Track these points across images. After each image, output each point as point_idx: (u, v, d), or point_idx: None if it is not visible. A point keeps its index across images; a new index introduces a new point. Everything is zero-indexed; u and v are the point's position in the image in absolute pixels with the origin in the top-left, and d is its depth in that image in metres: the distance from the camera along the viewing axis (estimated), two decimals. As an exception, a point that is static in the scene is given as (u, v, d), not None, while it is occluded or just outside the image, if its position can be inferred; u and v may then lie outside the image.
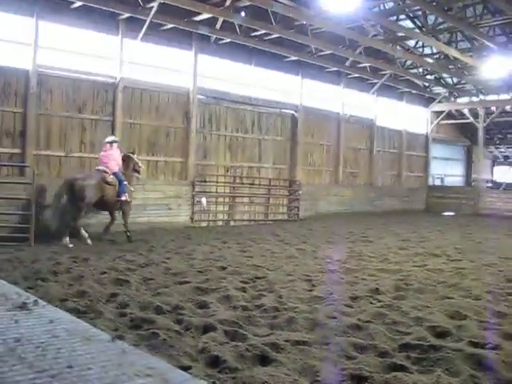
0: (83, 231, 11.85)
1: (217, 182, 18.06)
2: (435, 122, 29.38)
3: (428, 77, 26.22)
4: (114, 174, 12.35)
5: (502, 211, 24.95)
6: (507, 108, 27.77)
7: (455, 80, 27.41)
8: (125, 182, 12.57)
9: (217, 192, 18.03)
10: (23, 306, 1.59)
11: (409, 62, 24.31)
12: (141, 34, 15.16)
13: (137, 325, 5.47)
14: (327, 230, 16.43)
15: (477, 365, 4.55)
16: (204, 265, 9.40)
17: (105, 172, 12.20)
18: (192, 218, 16.95)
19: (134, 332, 5.21)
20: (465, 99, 29.39)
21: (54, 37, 14.14)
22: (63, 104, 14.40)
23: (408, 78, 25.25)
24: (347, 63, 21.61)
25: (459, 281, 8.55)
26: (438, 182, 31.39)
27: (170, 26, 15.72)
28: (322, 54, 20.40)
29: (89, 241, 11.72)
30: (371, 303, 6.86)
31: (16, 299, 1.59)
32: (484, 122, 27.45)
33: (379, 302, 6.93)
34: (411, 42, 23.22)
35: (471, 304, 6.87)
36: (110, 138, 13.00)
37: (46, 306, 1.62)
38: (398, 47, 22.30)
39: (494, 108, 27.64)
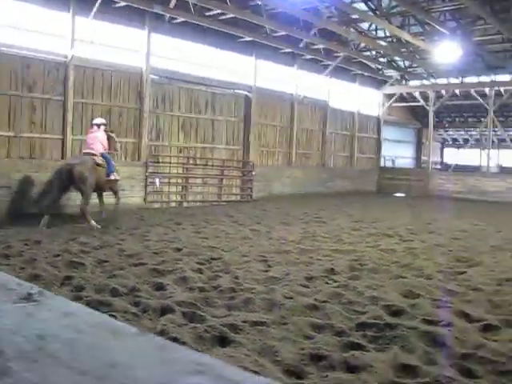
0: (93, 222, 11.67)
1: (170, 163, 17.89)
2: (387, 105, 29.79)
3: (381, 59, 26.54)
4: (102, 155, 12.32)
5: (451, 192, 25.58)
6: (456, 92, 28.34)
7: (407, 63, 27.81)
8: (112, 162, 12.61)
9: (170, 173, 17.87)
10: (29, 298, 1.44)
11: (362, 45, 24.48)
12: (93, 12, 14.77)
13: (93, 308, 5.36)
14: (281, 211, 16.51)
15: (431, 342, 4.67)
16: (159, 246, 9.33)
17: (94, 155, 12.13)
18: (145, 199, 16.77)
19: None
20: (416, 82, 29.87)
21: (2, 14, 13.63)
22: (12, 83, 13.94)
23: (361, 60, 25.47)
24: (301, 45, 21.63)
25: (411, 260, 8.74)
26: (389, 164, 31.93)
27: (123, 3, 15.33)
28: (277, 35, 20.33)
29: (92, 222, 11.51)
30: (327, 283, 6.95)
31: (19, 290, 1.46)
32: (434, 105, 27.99)
33: (335, 282, 7.03)
34: (365, 25, 23.40)
35: (424, 283, 7.04)
36: (98, 120, 12.93)
37: (54, 297, 1.49)
38: (351, 29, 22.41)
39: (444, 92, 28.18)
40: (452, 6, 19.90)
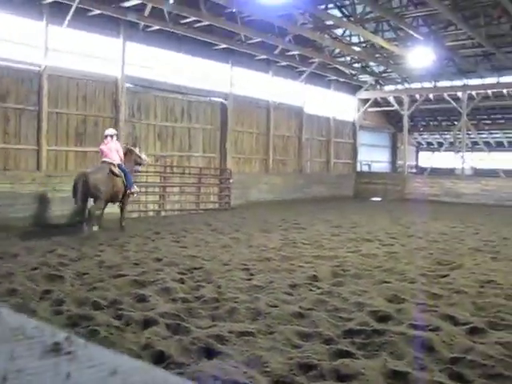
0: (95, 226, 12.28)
1: (147, 172, 17.73)
2: (362, 110, 29.98)
3: (355, 65, 26.68)
4: (118, 165, 12.55)
5: (427, 195, 25.80)
6: (430, 96, 28.65)
7: (381, 68, 28.01)
8: (129, 175, 12.86)
9: (147, 182, 17.71)
10: (58, 349, 1.15)
11: (337, 51, 24.62)
12: (67, 20, 14.60)
13: (74, 322, 5.25)
14: (259, 218, 16.45)
15: (419, 346, 4.64)
16: (139, 257, 9.20)
17: (111, 164, 12.39)
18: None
19: (72, 330, 5.00)
20: (390, 87, 30.10)
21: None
22: (-16, 93, 13.71)
23: (336, 66, 25.61)
24: (276, 51, 21.65)
25: (394, 265, 8.75)
26: (365, 169, 32.08)
27: (96, 12, 15.19)
28: (252, 42, 20.33)
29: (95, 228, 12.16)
30: (311, 290, 6.90)
31: (41, 337, 1.15)
32: (408, 109, 28.25)
33: (318, 288, 6.99)
34: (339, 31, 23.51)
35: (407, 287, 7.05)
36: (109, 131, 13.07)
37: (88, 345, 1.20)
38: (326, 36, 22.50)
39: (417, 96, 28.46)
40: (424, 12, 20.08)
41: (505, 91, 26.52)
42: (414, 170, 36.14)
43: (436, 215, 18.33)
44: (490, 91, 26.97)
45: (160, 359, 4.30)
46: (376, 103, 30.59)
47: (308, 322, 5.39)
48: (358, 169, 30.59)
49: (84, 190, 11.79)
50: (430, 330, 5.14)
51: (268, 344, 4.67)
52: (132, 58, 17.20)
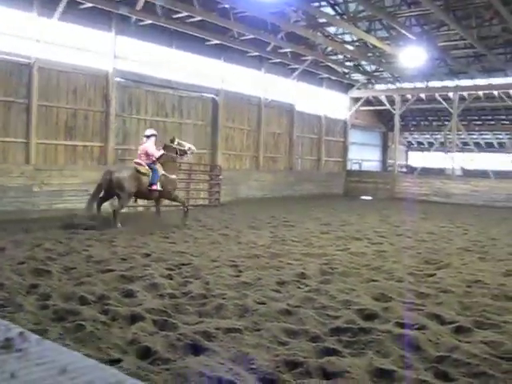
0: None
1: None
2: (354, 108, 30.03)
3: (347, 63, 26.71)
4: (148, 164, 12.86)
5: (417, 195, 25.89)
6: (422, 96, 28.73)
7: (373, 67, 28.06)
8: (159, 171, 12.92)
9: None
10: (9, 346, 1.04)
11: (329, 49, 24.65)
12: (58, 13, 14.51)
13: (61, 317, 5.21)
14: (249, 215, 16.44)
15: (405, 345, 4.64)
16: (127, 252, 9.15)
17: (139, 164, 12.77)
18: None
19: (59, 325, 4.97)
20: (382, 86, 30.17)
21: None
22: (-27, 84, 13.61)
23: (328, 64, 25.63)
24: (269, 48, 21.63)
25: (382, 263, 8.76)
26: (355, 167, 32.16)
27: (88, 4, 15.11)
28: (244, 38, 20.30)
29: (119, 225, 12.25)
30: (299, 288, 6.90)
31: None
32: (400, 109, 28.32)
33: (306, 286, 6.98)
34: (332, 29, 23.53)
35: (395, 286, 7.06)
36: (147, 132, 13.52)
37: (40, 342, 1.10)
38: (319, 33, 22.50)
39: (409, 96, 28.53)
40: (417, 12, 20.14)
41: (495, 93, 26.62)
42: (405, 170, 36.26)
43: (425, 215, 18.39)
44: (480, 92, 27.08)
45: (146, 355, 4.28)
46: (367, 102, 30.63)
47: (295, 319, 5.38)
48: (349, 167, 30.65)
49: (108, 187, 12.42)
50: (417, 328, 5.15)
51: (255, 341, 4.66)
52: (123, 52, 17.13)
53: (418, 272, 8.19)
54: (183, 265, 8.20)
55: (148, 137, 13.23)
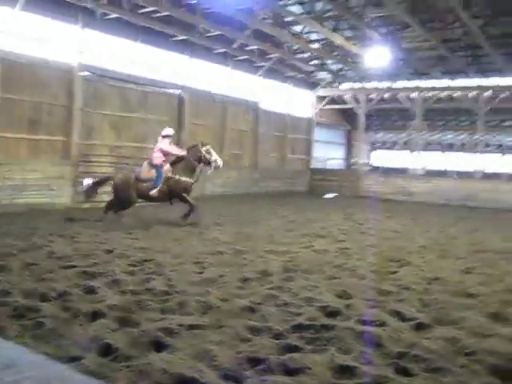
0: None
1: (101, 163, 17.44)
2: (319, 107, 30.23)
3: (313, 62, 26.84)
4: (156, 166, 12.61)
5: (380, 194, 26.18)
6: (386, 96, 29.06)
7: (339, 66, 28.27)
8: (160, 179, 12.63)
9: (101, 173, 17.39)
10: None
11: (295, 47, 24.72)
12: (21, 3, 14.22)
13: (20, 314, 5.11)
14: (213, 212, 16.36)
15: (366, 341, 4.70)
16: (89, 248, 9.03)
17: (148, 165, 12.73)
18: (75, 200, 16.28)
19: (18, 322, 4.88)
20: (347, 85, 30.42)
21: None
22: None
23: (294, 62, 25.72)
24: (235, 45, 21.60)
25: (345, 261, 8.84)
26: (320, 165, 32.35)
27: (53, -4, 14.89)
28: (211, 34, 20.24)
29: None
30: (262, 285, 6.90)
31: None
32: (364, 108, 28.61)
33: (269, 283, 6.99)
34: (298, 28, 23.60)
35: (357, 283, 7.13)
36: (163, 131, 13.17)
37: None
38: (285, 31, 22.56)
39: (373, 95, 28.83)
40: (383, 13, 20.33)
41: (457, 94, 27.10)
42: (368, 168, 36.63)
43: (388, 213, 18.61)
44: (442, 94, 27.52)
45: (107, 352, 4.24)
46: (333, 101, 30.85)
47: (258, 316, 5.39)
48: (313, 165, 30.83)
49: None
50: (378, 325, 5.22)
51: (217, 338, 4.66)
52: (89, 45, 16.89)
53: (380, 270, 8.28)
54: (146, 261, 8.13)
55: (163, 137, 13.00)
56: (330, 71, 28.56)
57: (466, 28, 19.99)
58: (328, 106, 30.95)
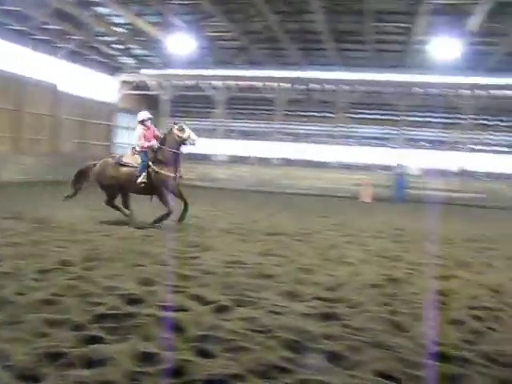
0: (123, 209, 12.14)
1: None
2: (122, 92, 29.70)
3: (117, 46, 26.25)
4: (139, 152, 11.54)
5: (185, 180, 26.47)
6: (190, 83, 29.43)
7: (143, 52, 27.98)
8: (144, 164, 11.40)
9: None
10: None
11: (99, 30, 23.96)
12: None
13: None
14: (9, 201, 15.36)
15: (168, 327, 4.78)
16: None
17: (135, 150, 11.67)
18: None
19: None
20: (151, 71, 30.25)
21: None
22: None
23: (97, 45, 24.94)
24: (35, 23, 20.35)
25: (147, 248, 8.84)
26: (124, 151, 31.80)
27: None
28: (7, 8, 18.82)
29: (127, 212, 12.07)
30: (61, 276, 6.66)
31: None
32: (168, 94, 28.73)
33: (70, 273, 6.77)
34: (104, 10, 22.89)
35: (159, 270, 7.19)
36: (138, 116, 12.04)
37: None
38: (88, 13, 21.75)
39: (178, 82, 29.06)
40: (188, 1, 20.48)
41: (257, 84, 28.36)
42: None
43: (192, 199, 18.84)
44: (243, 83, 28.64)
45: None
46: (137, 86, 30.51)
47: (57, 309, 5.20)
48: (116, 151, 30.25)
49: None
50: (179, 310, 5.34)
51: (12, 335, 4.42)
52: None
53: (181, 255, 8.42)
54: None
55: (140, 122, 11.79)
56: (135, 56, 28.18)
57: (267, 22, 20.93)
58: (132, 92, 30.56)
